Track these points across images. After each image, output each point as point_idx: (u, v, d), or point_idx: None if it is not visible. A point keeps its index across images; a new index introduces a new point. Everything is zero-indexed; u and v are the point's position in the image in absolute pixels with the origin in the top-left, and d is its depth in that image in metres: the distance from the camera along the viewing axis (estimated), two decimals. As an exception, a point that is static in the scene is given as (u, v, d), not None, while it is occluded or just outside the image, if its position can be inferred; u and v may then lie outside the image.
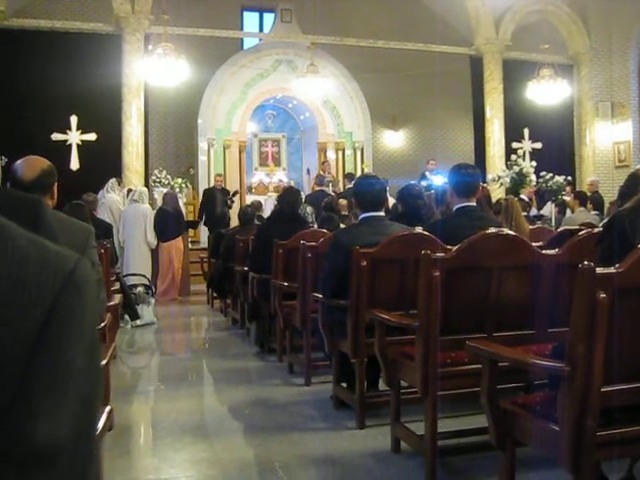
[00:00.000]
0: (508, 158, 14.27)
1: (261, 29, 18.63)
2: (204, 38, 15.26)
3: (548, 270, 3.49)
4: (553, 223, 10.85)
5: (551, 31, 16.31)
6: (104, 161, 13.00)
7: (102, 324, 3.50)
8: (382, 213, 4.55)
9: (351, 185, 10.37)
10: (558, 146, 16.67)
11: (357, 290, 4.07)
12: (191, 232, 13.65)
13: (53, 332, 0.62)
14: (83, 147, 13.00)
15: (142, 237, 10.47)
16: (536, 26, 16.10)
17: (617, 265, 2.31)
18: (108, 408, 3.95)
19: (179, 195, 13.39)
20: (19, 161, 3.09)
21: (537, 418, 2.57)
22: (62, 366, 0.63)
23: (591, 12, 16.71)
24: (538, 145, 15.68)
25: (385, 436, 3.85)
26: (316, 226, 7.48)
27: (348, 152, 17.37)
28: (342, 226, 6.79)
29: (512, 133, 15.91)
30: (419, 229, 4.37)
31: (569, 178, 13.66)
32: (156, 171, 14.69)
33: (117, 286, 6.54)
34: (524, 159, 14.12)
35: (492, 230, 3.56)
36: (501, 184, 13.38)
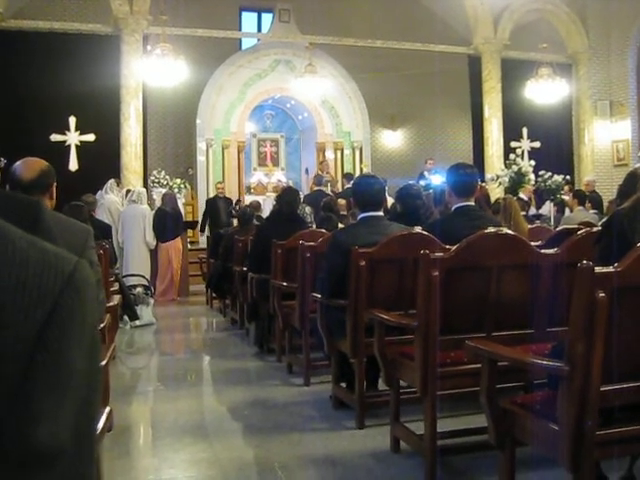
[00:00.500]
0: (507, 157, 14.28)
1: (259, 29, 18.63)
2: (202, 38, 15.26)
3: (547, 269, 3.49)
4: (552, 222, 10.86)
5: (549, 30, 16.31)
6: (103, 162, 12.99)
7: (101, 325, 3.50)
8: (381, 213, 4.55)
9: (350, 185, 10.38)
10: (557, 145, 16.68)
11: (356, 290, 4.07)
12: (190, 232, 13.64)
13: (53, 334, 0.62)
14: (82, 148, 12.99)
15: (141, 238, 10.47)
16: (534, 25, 16.11)
17: (616, 264, 2.31)
18: (107, 409, 3.94)
19: (178, 195, 13.40)
20: (18, 162, 3.10)
21: (537, 417, 2.57)
22: (63, 368, 0.63)
23: (590, 11, 16.73)
24: (537, 144, 15.68)
25: (384, 436, 3.86)
26: (314, 226, 7.48)
27: (347, 152, 17.38)
28: (341, 226, 6.80)
29: (511, 132, 15.90)
30: (418, 229, 4.38)
31: (568, 177, 13.67)
32: (155, 172, 14.70)
33: (116, 287, 6.54)
34: (523, 158, 14.12)
35: (491, 230, 3.56)
36: (500, 183, 13.39)
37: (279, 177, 17.35)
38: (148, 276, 10.12)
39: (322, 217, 7.48)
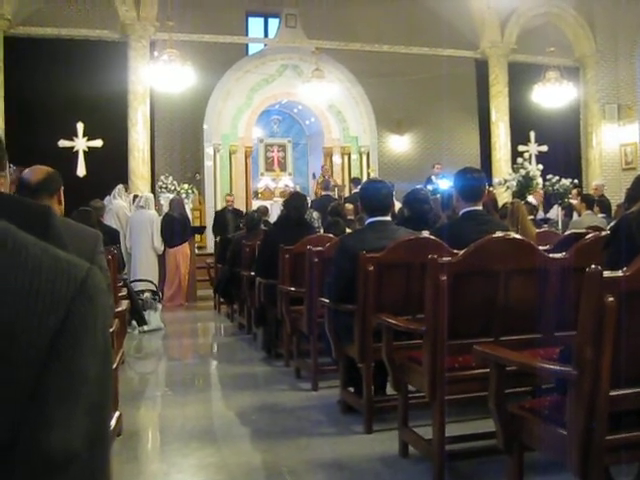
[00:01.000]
0: (514, 161, 14.27)
1: (266, 34, 18.64)
2: (209, 44, 15.31)
3: (555, 274, 3.49)
4: (560, 226, 10.84)
5: (557, 34, 16.31)
6: (110, 167, 13.05)
7: (110, 330, 3.52)
8: (388, 218, 4.55)
9: (357, 190, 10.39)
10: (564, 149, 16.65)
11: (364, 295, 4.07)
12: (197, 238, 13.65)
13: (66, 341, 0.63)
14: (89, 154, 13.05)
15: (149, 243, 10.50)
16: (541, 29, 16.09)
17: (624, 269, 2.31)
18: (117, 413, 3.96)
19: (185, 201, 13.42)
20: (26, 170, 3.14)
21: (545, 422, 2.56)
22: (75, 374, 0.64)
23: (597, 14, 16.71)
24: (544, 148, 15.65)
25: (393, 440, 3.85)
26: (322, 231, 7.48)
27: (354, 157, 17.37)
28: (348, 231, 6.80)
29: (518, 136, 15.89)
30: (425, 233, 4.38)
31: (575, 181, 13.65)
32: (162, 177, 14.75)
33: (124, 292, 6.56)
34: (530, 162, 14.10)
35: (499, 234, 3.56)
36: (507, 188, 13.37)
37: (286, 182, 17.35)
38: (156, 281, 10.14)
39: (329, 222, 7.48)
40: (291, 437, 4.26)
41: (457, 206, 4.49)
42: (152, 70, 12.94)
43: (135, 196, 11.79)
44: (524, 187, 12.87)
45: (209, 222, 14.92)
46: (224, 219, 13.57)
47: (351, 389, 4.66)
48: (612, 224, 4.41)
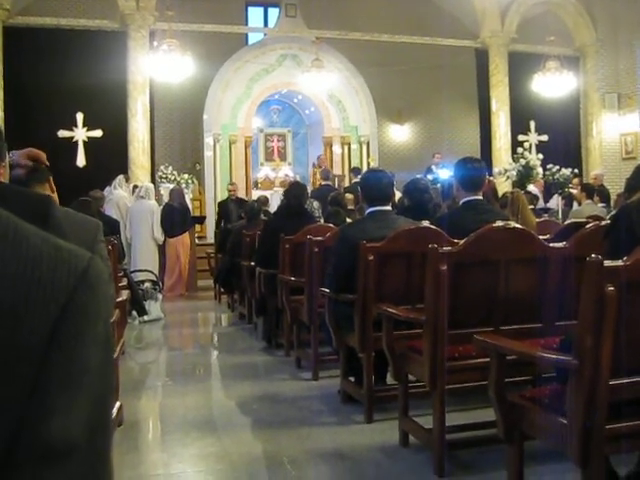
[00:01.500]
0: (514, 151, 14.25)
1: (266, 24, 18.58)
2: (209, 34, 15.25)
3: (555, 263, 3.49)
4: (560, 216, 10.83)
5: (557, 23, 16.26)
6: (110, 157, 13.03)
7: (111, 320, 3.51)
8: (389, 207, 4.55)
9: (357, 179, 10.38)
10: (564, 138, 16.61)
11: (364, 284, 4.07)
12: (198, 227, 13.63)
13: (67, 330, 0.63)
14: (89, 144, 13.02)
15: (149, 233, 10.51)
16: (541, 18, 16.04)
17: (625, 258, 2.31)
18: (117, 404, 3.97)
19: (185, 191, 13.40)
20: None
21: (545, 411, 2.57)
22: (76, 364, 0.64)
23: (597, 3, 16.64)
24: (544, 138, 15.62)
25: (393, 430, 3.86)
26: (322, 220, 7.48)
27: (354, 146, 17.35)
28: (348, 220, 6.79)
29: (518, 126, 15.85)
30: (426, 223, 4.37)
31: (576, 171, 13.63)
32: (162, 167, 14.73)
33: (125, 282, 6.57)
34: (530, 152, 14.07)
35: (499, 223, 3.55)
36: (507, 177, 13.36)
37: (286, 172, 17.34)
38: (156, 271, 10.15)
39: (330, 212, 7.48)
40: (292, 427, 4.27)
41: (457, 196, 4.49)
42: (152, 60, 12.91)
43: (135, 186, 11.78)
44: (524, 177, 12.86)
45: (209, 212, 14.90)
46: (227, 210, 13.24)
47: (351, 379, 4.67)
48: (612, 214, 4.40)
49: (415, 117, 19.26)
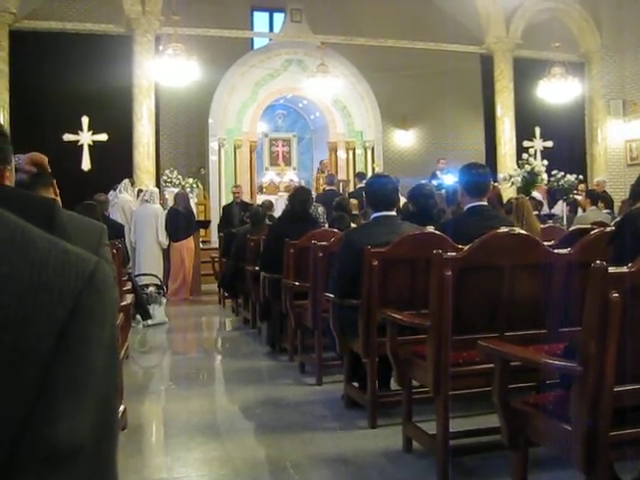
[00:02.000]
0: (519, 157, 14.24)
1: (271, 29, 18.63)
2: (214, 38, 15.28)
3: (560, 269, 3.48)
4: (564, 222, 10.82)
5: (562, 29, 16.27)
6: (115, 161, 13.06)
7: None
8: (394, 213, 4.56)
9: (362, 184, 10.38)
10: (569, 145, 16.60)
11: (368, 289, 4.07)
12: (202, 232, 13.65)
13: (74, 334, 0.63)
14: (94, 148, 13.06)
15: (153, 237, 10.52)
16: (547, 24, 16.04)
17: (629, 264, 2.30)
18: (121, 407, 3.97)
19: (190, 195, 13.41)
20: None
21: (549, 418, 2.56)
22: (83, 367, 0.64)
23: (602, 9, 16.65)
24: (549, 144, 15.63)
25: (397, 435, 3.85)
26: (327, 225, 7.48)
27: (358, 151, 17.34)
28: (353, 226, 6.80)
29: (523, 132, 15.86)
30: (430, 228, 4.37)
31: (581, 177, 13.62)
32: (167, 171, 14.74)
33: (129, 286, 6.57)
34: (535, 158, 14.07)
35: (503, 229, 3.55)
36: (512, 183, 13.35)
37: (291, 177, 17.35)
38: (160, 275, 10.16)
39: (335, 217, 7.48)
40: (295, 431, 4.27)
41: (462, 201, 4.49)
42: (157, 64, 12.95)
43: (140, 190, 11.80)
44: (529, 183, 12.85)
45: (214, 216, 14.89)
46: (230, 213, 13.11)
47: (355, 384, 4.66)
48: (617, 220, 4.40)
49: (420, 122, 19.26)
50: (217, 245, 12.55)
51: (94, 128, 13.04)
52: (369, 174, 14.27)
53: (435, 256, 3.24)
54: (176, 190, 13.15)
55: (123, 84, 13.27)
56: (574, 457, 2.37)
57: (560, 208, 12.64)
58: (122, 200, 11.20)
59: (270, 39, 17.46)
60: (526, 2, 15.95)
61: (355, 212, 8.79)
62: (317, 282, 5.25)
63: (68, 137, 12.81)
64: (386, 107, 17.44)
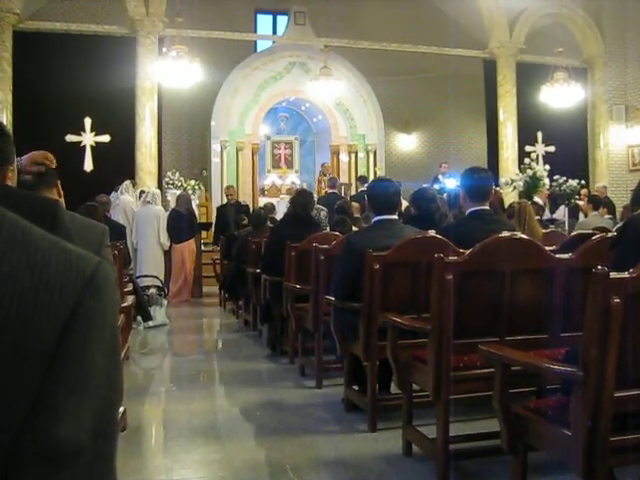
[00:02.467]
0: (521, 161, 14.24)
1: (275, 32, 18.65)
2: (218, 40, 15.30)
3: (561, 274, 3.48)
4: (566, 227, 10.82)
5: (565, 34, 16.28)
6: (117, 163, 13.07)
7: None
8: (395, 216, 4.55)
9: (364, 188, 10.38)
10: (572, 150, 16.59)
11: (370, 293, 4.07)
12: (204, 234, 13.66)
13: (75, 334, 0.63)
14: (97, 149, 13.07)
15: (155, 239, 10.52)
16: (550, 29, 16.06)
17: (631, 270, 2.30)
18: (121, 409, 3.97)
19: (192, 197, 13.42)
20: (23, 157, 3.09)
21: (549, 423, 2.56)
22: (84, 367, 0.64)
23: (605, 15, 16.65)
24: (551, 149, 15.62)
25: (397, 439, 3.85)
26: (328, 229, 7.48)
27: (361, 155, 17.37)
28: (354, 229, 6.79)
29: (525, 136, 15.86)
30: (432, 232, 4.37)
31: (583, 182, 13.61)
32: (169, 173, 14.76)
33: (130, 287, 6.57)
34: (537, 162, 14.06)
35: (505, 234, 3.55)
36: (514, 188, 13.34)
37: (293, 179, 17.38)
38: (162, 277, 10.16)
39: (336, 220, 7.48)
40: (295, 434, 4.27)
41: (464, 205, 4.49)
42: (160, 66, 12.97)
43: (142, 192, 11.81)
44: (531, 187, 12.84)
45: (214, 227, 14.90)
46: (224, 214, 13.11)
47: (355, 387, 4.66)
48: (618, 225, 4.40)
49: (422, 126, 19.28)
50: (218, 247, 12.53)
51: (97, 129, 13.05)
52: (371, 178, 14.28)
53: (436, 260, 3.23)
54: (178, 192, 13.16)
55: (126, 85, 13.29)
56: (574, 462, 2.36)
57: (562, 213, 12.63)
58: (124, 201, 11.20)
59: (273, 42, 17.49)
60: (529, 7, 15.96)
61: (357, 215, 8.79)
62: (318, 285, 5.25)
63: (71, 138, 12.82)
64: (389, 111, 17.46)
